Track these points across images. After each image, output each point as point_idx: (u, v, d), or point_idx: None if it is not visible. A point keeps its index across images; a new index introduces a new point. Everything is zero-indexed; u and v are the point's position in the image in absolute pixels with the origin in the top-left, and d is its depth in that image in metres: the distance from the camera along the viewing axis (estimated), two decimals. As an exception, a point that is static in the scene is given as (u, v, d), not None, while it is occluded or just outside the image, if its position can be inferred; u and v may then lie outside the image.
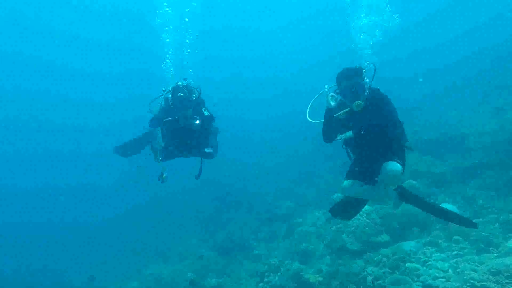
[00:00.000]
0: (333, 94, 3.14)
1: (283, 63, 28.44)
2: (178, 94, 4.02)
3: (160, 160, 4.08)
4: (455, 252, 4.70)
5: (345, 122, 3.16)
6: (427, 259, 4.73)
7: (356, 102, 2.96)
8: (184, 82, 4.31)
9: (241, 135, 19.82)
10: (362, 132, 3.05)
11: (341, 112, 3.05)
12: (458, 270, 4.36)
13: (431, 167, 7.42)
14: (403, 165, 3.03)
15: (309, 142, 13.10)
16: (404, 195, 3.23)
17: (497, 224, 5.24)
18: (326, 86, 3.28)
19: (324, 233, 7.25)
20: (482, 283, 3.74)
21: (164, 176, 4.02)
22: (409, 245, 5.34)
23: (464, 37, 21.24)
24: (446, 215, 3.31)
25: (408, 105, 14.46)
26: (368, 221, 6.48)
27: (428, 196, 6.55)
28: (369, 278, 3.95)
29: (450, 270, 4.42)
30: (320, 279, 4.96)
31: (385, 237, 6.05)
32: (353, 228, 6.51)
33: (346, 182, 3.26)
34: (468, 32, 21.72)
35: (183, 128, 4.01)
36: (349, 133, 3.11)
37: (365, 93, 3.05)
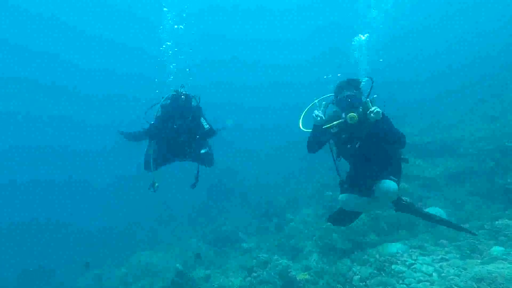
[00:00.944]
0: (317, 112, 3.10)
1: (286, 52, 28.36)
2: (176, 102, 3.91)
3: (153, 170, 3.98)
4: (440, 256, 4.79)
5: (338, 134, 3.15)
6: (413, 262, 4.81)
7: (350, 114, 2.91)
8: (182, 89, 4.18)
9: (236, 129, 19.81)
10: (357, 146, 3.06)
11: (334, 123, 3.02)
12: (442, 274, 4.46)
13: (423, 171, 7.52)
14: (399, 181, 3.10)
15: (304, 138, 13.09)
16: (400, 206, 3.32)
17: (482, 230, 5.35)
18: (315, 99, 3.25)
19: (313, 230, 7.33)
20: (465, 289, 3.83)
21: (156, 185, 3.93)
22: (396, 246, 5.43)
23: (464, 44, 21.37)
24: (445, 223, 3.57)
25: (403, 107, 14.62)
26: (357, 220, 6.55)
27: (419, 200, 6.66)
28: None
29: (434, 274, 4.51)
30: (308, 277, 5.02)
31: (372, 237, 6.13)
32: (343, 228, 6.59)
33: (342, 196, 3.29)
34: (467, 39, 21.86)
35: (179, 137, 3.92)
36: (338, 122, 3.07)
37: (360, 109, 3.02)
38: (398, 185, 3.07)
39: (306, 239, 7.35)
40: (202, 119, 4.07)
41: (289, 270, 5.62)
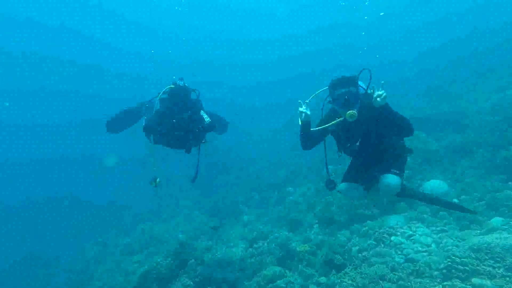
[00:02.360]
0: (301, 109, 2.99)
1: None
2: (175, 97, 3.76)
3: (153, 143, 3.90)
4: (439, 228, 4.83)
5: (336, 132, 3.10)
6: (412, 233, 4.86)
7: (350, 112, 2.82)
8: (181, 82, 4.00)
9: (237, 103, 19.61)
10: (358, 143, 3.05)
11: (333, 122, 2.94)
12: (441, 245, 4.52)
13: (425, 145, 7.40)
14: (402, 174, 3.07)
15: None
16: (402, 194, 3.27)
17: (482, 202, 5.35)
18: (299, 101, 3.08)
19: (314, 204, 7.39)
20: (463, 259, 3.87)
21: (157, 180, 3.83)
22: (395, 219, 5.48)
23: (473, 12, 20.25)
24: (447, 206, 3.58)
25: (410, 79, 14.19)
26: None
27: (419, 173, 6.62)
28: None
29: (433, 245, 4.57)
30: (307, 248, 5.12)
31: (373, 210, 6.18)
32: (342, 201, 6.64)
33: (343, 185, 3.29)
34: (476, 8, 20.66)
35: (179, 132, 3.81)
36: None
37: (358, 105, 2.94)
38: (402, 178, 3.05)
39: (307, 212, 7.45)
40: (202, 112, 3.95)
41: (289, 242, 5.74)
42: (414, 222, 5.21)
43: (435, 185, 5.98)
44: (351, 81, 2.97)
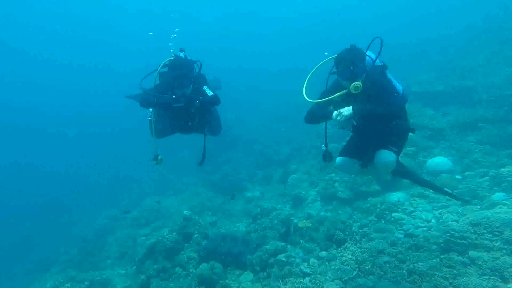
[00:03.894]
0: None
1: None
2: (175, 69, 3.36)
3: (155, 138, 3.61)
4: (440, 204, 4.86)
5: (341, 104, 2.93)
6: (413, 209, 4.92)
7: (354, 83, 2.70)
8: (181, 54, 3.64)
9: (241, 81, 19.29)
10: (356, 119, 2.91)
11: (337, 95, 2.82)
12: (441, 220, 4.57)
13: (431, 120, 7.26)
14: (398, 151, 3.00)
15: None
16: (397, 174, 3.27)
17: (486, 177, 5.33)
18: (326, 53, 3.00)
19: (317, 181, 7.45)
20: (461, 233, 3.93)
21: (159, 158, 3.62)
22: (397, 195, 5.52)
23: None
24: (440, 191, 3.53)
25: (421, 51, 13.60)
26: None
27: (424, 151, 6.55)
28: None
29: (433, 221, 4.62)
30: (309, 224, 5.23)
31: (375, 187, 6.22)
32: (345, 178, 6.67)
33: (339, 159, 3.25)
34: None
35: (182, 108, 3.37)
36: (348, 112, 2.88)
37: (363, 76, 2.81)
38: (398, 156, 3.00)
39: (309, 189, 7.53)
40: (205, 87, 3.56)
41: (291, 218, 5.85)
42: (416, 198, 5.25)
43: (439, 162, 5.94)
44: (356, 54, 2.84)
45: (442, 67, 10.30)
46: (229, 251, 5.10)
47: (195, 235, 6.03)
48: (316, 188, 7.30)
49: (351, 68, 2.76)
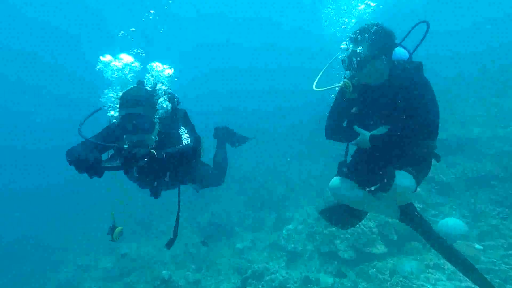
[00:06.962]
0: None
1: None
2: (126, 106, 2.20)
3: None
4: (464, 284, 4.18)
5: (360, 103, 2.32)
6: (432, 287, 4.21)
7: (344, 80, 2.15)
8: (147, 81, 2.55)
9: (234, 108, 19.00)
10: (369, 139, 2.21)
11: (332, 86, 2.28)
12: (466, 307, 3.87)
13: (437, 173, 6.80)
14: (419, 178, 2.20)
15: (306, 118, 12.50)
16: (408, 217, 2.40)
17: (511, 252, 4.72)
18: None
19: (314, 234, 6.72)
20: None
21: (118, 230, 2.72)
22: (409, 264, 4.83)
23: (494, 26, 19.42)
24: (453, 259, 2.40)
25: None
26: (364, 228, 5.95)
27: (433, 208, 6.00)
28: None
29: (457, 306, 3.92)
30: (309, 301, 4.44)
31: (381, 249, 5.54)
32: (347, 235, 5.99)
33: (334, 180, 2.38)
34: (498, 21, 19.92)
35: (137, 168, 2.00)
36: (363, 143, 2.23)
37: (386, 73, 2.19)
38: (417, 182, 2.17)
39: (306, 243, 6.78)
40: (182, 129, 2.43)
41: (287, 286, 5.05)
42: (432, 270, 4.57)
43: (452, 224, 5.35)
44: (369, 34, 2.07)
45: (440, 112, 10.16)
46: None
47: (174, 302, 5.12)
48: (314, 243, 6.55)
49: (355, 59, 2.10)
